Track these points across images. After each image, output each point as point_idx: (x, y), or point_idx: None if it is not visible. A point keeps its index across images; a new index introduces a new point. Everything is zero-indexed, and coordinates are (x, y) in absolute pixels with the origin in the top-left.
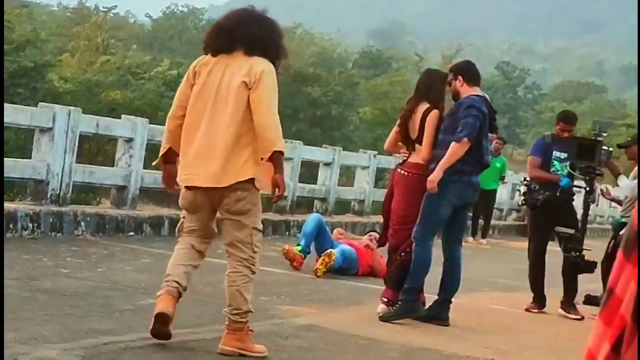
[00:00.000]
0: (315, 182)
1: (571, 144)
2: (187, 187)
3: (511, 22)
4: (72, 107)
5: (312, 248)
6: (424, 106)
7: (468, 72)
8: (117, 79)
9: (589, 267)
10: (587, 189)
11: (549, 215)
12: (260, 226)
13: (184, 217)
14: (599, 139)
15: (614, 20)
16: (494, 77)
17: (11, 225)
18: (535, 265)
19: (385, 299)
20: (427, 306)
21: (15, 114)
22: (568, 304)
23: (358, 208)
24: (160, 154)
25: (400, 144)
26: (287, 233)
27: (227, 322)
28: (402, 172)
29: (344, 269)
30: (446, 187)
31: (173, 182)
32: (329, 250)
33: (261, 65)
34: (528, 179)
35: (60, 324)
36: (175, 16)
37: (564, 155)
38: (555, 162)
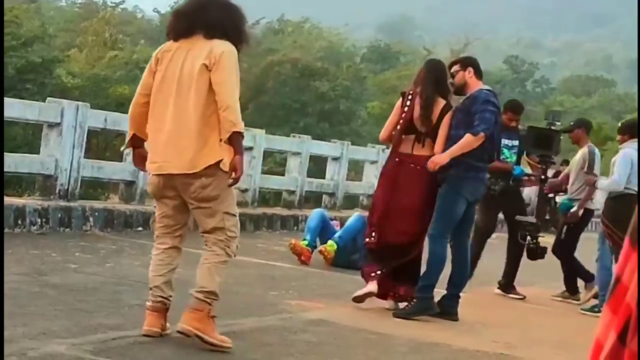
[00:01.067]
0: (323, 177)
1: (529, 132)
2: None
3: (519, 16)
4: (80, 102)
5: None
6: (441, 101)
7: (477, 65)
8: (125, 74)
9: (543, 253)
10: (542, 177)
11: (500, 204)
12: (234, 210)
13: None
14: (552, 127)
15: (623, 14)
16: (502, 71)
17: (20, 221)
18: (477, 252)
19: (399, 295)
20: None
21: (24, 109)
22: (509, 286)
23: (367, 202)
24: (127, 140)
25: (394, 133)
26: (296, 228)
27: (190, 302)
28: (418, 167)
29: (358, 251)
30: (462, 183)
31: (144, 162)
32: (321, 248)
33: (221, 47)
34: None
35: (69, 319)
36: None
37: (512, 142)
38: (505, 150)
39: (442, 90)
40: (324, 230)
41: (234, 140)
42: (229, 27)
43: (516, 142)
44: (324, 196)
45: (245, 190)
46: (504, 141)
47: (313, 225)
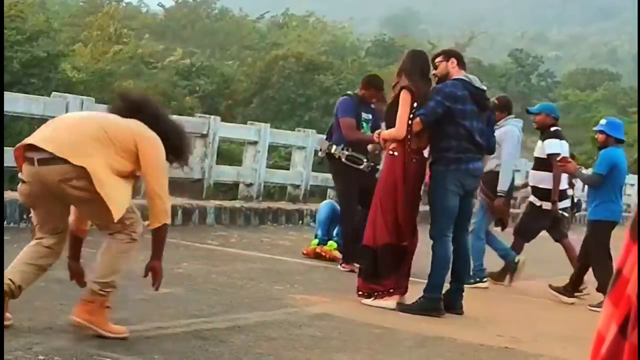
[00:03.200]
0: (328, 171)
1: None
2: (22, 179)
3: (524, 9)
4: (85, 97)
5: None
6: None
7: (460, 57)
8: (130, 69)
9: None
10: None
11: (363, 181)
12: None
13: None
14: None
15: (628, 7)
16: (507, 65)
17: (25, 216)
18: (354, 228)
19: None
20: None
21: (29, 104)
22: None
23: None
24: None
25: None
26: (301, 222)
27: (86, 293)
28: (414, 160)
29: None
30: (445, 178)
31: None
32: (320, 251)
33: (152, 133)
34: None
35: None
36: (187, 5)
37: (368, 116)
38: (364, 124)
39: (428, 80)
40: (333, 222)
41: (161, 231)
42: (174, 138)
43: (370, 116)
44: (328, 190)
45: (250, 185)
46: (363, 115)
47: (323, 217)
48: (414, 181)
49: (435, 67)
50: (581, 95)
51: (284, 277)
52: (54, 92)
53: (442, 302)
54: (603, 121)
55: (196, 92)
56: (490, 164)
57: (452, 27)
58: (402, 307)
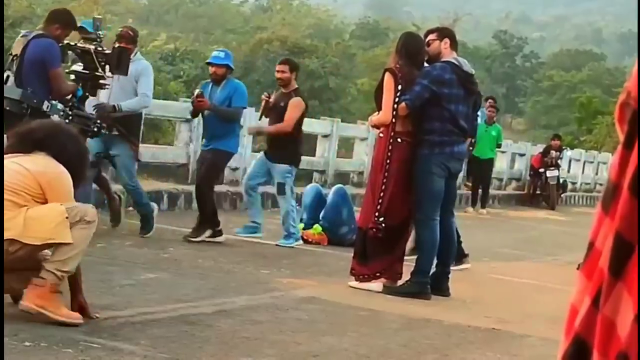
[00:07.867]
0: (313, 155)
1: (113, 53)
2: None
3: None
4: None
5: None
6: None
7: (454, 37)
8: None
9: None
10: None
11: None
12: (53, 213)
13: None
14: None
15: None
16: (491, 47)
17: None
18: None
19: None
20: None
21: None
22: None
23: (357, 180)
24: None
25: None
26: None
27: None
28: (399, 140)
29: (345, 224)
30: (429, 161)
31: None
32: (305, 236)
33: (54, 167)
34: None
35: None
36: None
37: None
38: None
39: (417, 63)
40: (320, 206)
41: (78, 269)
42: (74, 159)
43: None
44: (314, 174)
45: (235, 169)
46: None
47: (308, 202)
48: (402, 162)
49: (428, 45)
50: (566, 75)
51: (271, 261)
52: None
53: (429, 286)
54: (222, 54)
55: (180, 77)
56: (135, 105)
57: (436, 9)
58: (389, 290)
